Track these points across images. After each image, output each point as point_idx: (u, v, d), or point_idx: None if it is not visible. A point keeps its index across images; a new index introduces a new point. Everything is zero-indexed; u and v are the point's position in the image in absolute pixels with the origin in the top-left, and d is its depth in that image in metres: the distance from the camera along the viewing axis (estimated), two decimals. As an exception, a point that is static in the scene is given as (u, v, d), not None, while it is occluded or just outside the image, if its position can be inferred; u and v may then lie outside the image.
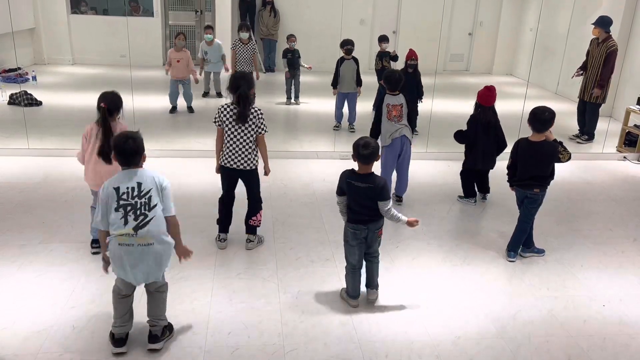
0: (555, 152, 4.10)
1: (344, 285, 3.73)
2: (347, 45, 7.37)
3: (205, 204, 5.07)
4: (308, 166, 6.20)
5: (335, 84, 7.52)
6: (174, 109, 8.26)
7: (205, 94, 9.20)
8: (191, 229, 4.58)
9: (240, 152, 4.02)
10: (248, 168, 4.08)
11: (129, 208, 2.89)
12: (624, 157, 7.15)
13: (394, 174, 5.33)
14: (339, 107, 7.72)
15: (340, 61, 7.43)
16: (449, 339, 3.36)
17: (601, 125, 7.72)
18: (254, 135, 4.01)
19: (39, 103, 8.13)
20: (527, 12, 12.21)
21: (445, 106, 8.71)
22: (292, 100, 8.86)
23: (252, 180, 4.21)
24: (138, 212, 2.89)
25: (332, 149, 6.77)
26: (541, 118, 4.05)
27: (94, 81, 9.98)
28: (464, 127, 5.30)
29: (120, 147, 2.95)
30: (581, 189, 6.05)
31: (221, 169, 4.18)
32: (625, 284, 4.09)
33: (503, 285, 4.00)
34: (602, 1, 9.07)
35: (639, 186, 6.25)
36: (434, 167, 6.44)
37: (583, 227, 5.06)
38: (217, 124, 4.04)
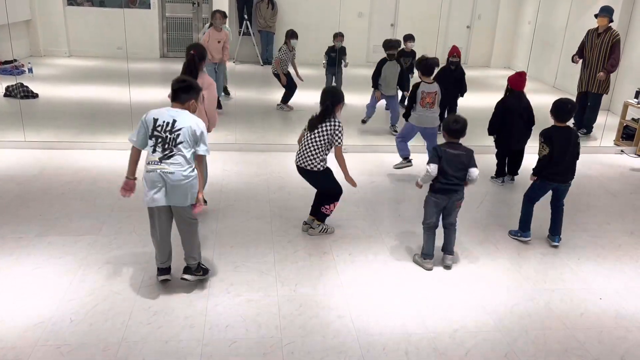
0: (578, 141, 4.39)
1: (418, 259, 4.13)
2: (390, 49, 7.05)
3: (205, 195, 5.05)
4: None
5: (375, 85, 7.22)
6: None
7: (224, 89, 8.61)
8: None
9: (305, 153, 4.23)
10: (308, 168, 4.25)
11: (159, 140, 3.32)
12: (622, 151, 7.16)
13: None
14: (372, 104, 7.49)
15: (382, 62, 7.12)
16: (447, 331, 3.37)
17: (599, 118, 7.72)
18: (323, 143, 4.19)
19: (35, 95, 8.09)
20: (525, 5, 12.18)
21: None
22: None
23: (314, 179, 4.36)
24: (166, 146, 3.31)
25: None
26: (565, 109, 4.33)
27: (90, 73, 9.94)
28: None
29: (175, 84, 3.42)
30: (579, 183, 6.04)
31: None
32: (622, 277, 4.10)
33: (500, 279, 4.01)
34: (601, -6, 9.05)
35: (636, 180, 6.26)
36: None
37: (580, 221, 5.07)
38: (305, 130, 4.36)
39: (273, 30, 11.31)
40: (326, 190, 4.40)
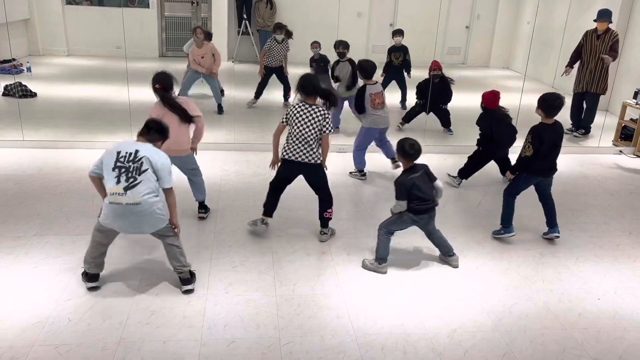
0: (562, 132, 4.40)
1: (367, 257, 4.10)
2: (338, 47, 6.97)
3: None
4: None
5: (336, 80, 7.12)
6: None
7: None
8: (188, 221, 4.57)
9: (305, 146, 4.14)
10: (312, 161, 4.18)
11: (122, 170, 3.32)
12: (620, 151, 7.17)
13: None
14: (337, 111, 7.12)
15: (335, 64, 7.09)
16: (445, 331, 3.37)
17: (597, 119, 7.72)
18: (318, 132, 4.15)
19: (33, 94, 8.08)
20: (524, 5, 12.19)
21: (442, 99, 8.68)
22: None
23: (316, 175, 4.27)
24: (129, 175, 3.31)
25: (331, 143, 6.75)
26: (554, 104, 4.26)
27: (89, 72, 9.93)
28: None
29: (152, 123, 3.55)
30: (577, 183, 6.06)
31: (283, 162, 4.28)
32: (620, 277, 4.11)
33: (499, 278, 4.01)
34: (599, -5, 9.06)
35: (635, 180, 6.27)
36: (430, 160, 6.40)
37: (579, 221, 5.07)
38: (283, 122, 4.25)
39: (272, 29, 11.30)
40: (325, 187, 4.33)
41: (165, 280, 3.71)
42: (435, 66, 7.14)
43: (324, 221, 4.43)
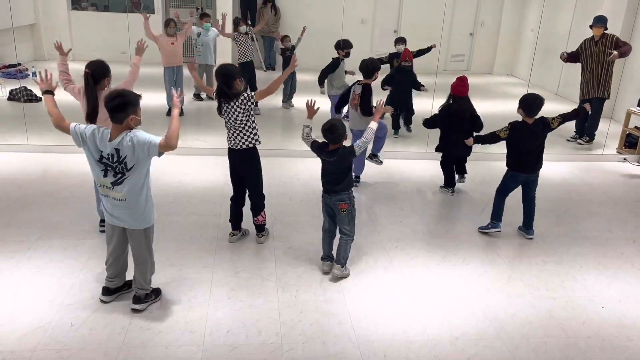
0: (547, 122, 4.54)
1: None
2: (347, 48, 7.06)
3: (204, 202, 5.06)
4: (307, 164, 6.19)
5: (322, 82, 7.06)
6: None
7: (197, 96, 8.66)
8: (190, 226, 4.58)
9: (234, 133, 4.10)
10: (244, 147, 4.09)
11: (109, 167, 3.20)
12: (624, 159, 7.15)
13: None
14: (336, 105, 7.34)
15: (337, 62, 7.05)
16: (448, 339, 3.36)
17: (602, 126, 7.72)
18: (245, 116, 4.04)
19: (38, 99, 8.10)
20: (528, 12, 12.20)
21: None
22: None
23: (249, 161, 4.18)
24: (117, 172, 3.20)
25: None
26: (532, 104, 4.44)
27: (94, 77, 9.96)
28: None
29: (107, 104, 3.18)
30: (581, 190, 6.04)
31: (228, 152, 4.22)
32: (624, 286, 4.09)
33: (502, 286, 3.99)
34: (604, 2, 9.06)
35: (639, 188, 6.24)
36: (433, 166, 6.41)
37: (583, 228, 5.05)
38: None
39: (276, 35, 11.33)
40: (257, 183, 4.27)
41: (168, 286, 3.71)
42: (407, 56, 7.22)
43: (260, 227, 4.41)
